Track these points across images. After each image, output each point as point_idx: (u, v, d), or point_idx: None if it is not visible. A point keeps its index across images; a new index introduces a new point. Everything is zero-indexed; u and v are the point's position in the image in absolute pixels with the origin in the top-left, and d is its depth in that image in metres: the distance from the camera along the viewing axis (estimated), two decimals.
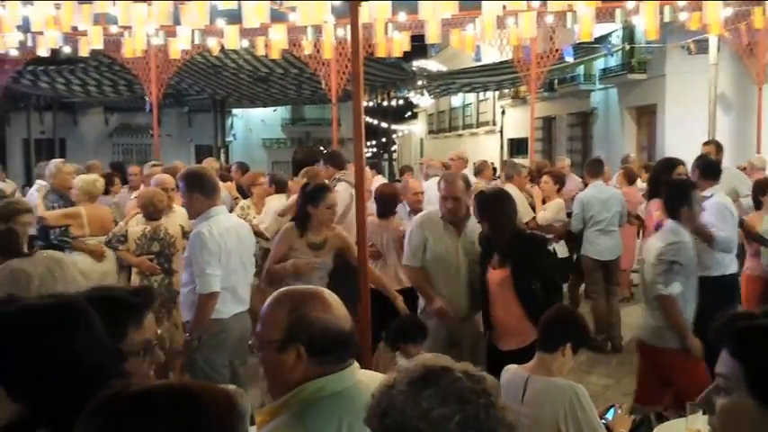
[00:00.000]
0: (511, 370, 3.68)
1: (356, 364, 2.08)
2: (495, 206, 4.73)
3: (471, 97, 30.51)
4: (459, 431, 1.44)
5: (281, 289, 2.16)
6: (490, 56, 15.75)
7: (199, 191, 4.59)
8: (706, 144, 7.68)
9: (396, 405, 1.45)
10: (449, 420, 1.43)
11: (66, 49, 12.12)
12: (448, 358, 1.56)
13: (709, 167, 5.68)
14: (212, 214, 4.58)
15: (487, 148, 28.08)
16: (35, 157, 21.22)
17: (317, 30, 10.98)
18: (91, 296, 2.09)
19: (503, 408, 1.47)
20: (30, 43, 11.59)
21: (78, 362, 1.61)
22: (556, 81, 21.98)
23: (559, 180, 8.24)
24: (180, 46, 11.35)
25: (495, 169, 11.88)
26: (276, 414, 2.00)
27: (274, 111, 31.08)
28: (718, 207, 5.44)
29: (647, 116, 19.17)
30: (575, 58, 15.27)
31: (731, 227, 5.50)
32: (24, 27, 10.32)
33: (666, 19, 9.76)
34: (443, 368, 1.51)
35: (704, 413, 3.02)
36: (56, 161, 7.39)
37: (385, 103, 26.39)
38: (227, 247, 4.55)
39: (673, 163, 6.20)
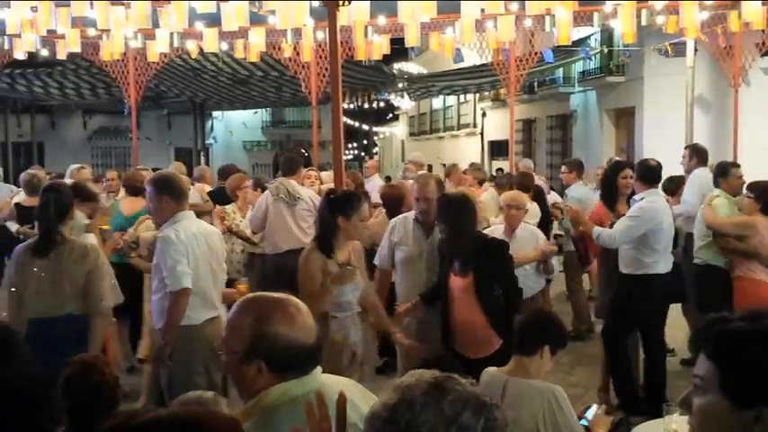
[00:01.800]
0: (490, 372, 3.70)
1: (318, 368, 2.07)
2: (456, 211, 4.69)
3: (452, 100, 30.61)
4: None
5: (249, 295, 2.15)
6: (471, 58, 15.79)
7: (168, 194, 4.54)
8: (685, 148, 7.81)
9: (418, 417, 1.44)
10: (476, 423, 1.44)
11: (44, 52, 12.03)
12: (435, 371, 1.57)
13: (646, 171, 5.84)
14: (179, 219, 4.53)
15: (468, 151, 28.16)
16: (13, 161, 21.04)
17: (297, 33, 10.97)
18: None
19: (503, 410, 1.51)
20: (6, 46, 11.50)
21: (6, 388, 1.54)
22: (536, 83, 22.08)
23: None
24: (158, 49, 11.30)
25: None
26: (243, 421, 2.00)
27: (255, 113, 30.99)
28: (637, 207, 5.71)
29: (625, 118, 19.31)
30: (554, 61, 15.36)
31: (649, 226, 5.64)
32: (1, 30, 10.24)
33: (644, 23, 9.86)
34: (449, 377, 1.52)
35: (681, 414, 3.05)
36: (74, 166, 7.15)
37: (366, 106, 26.42)
38: (195, 252, 4.49)
39: (620, 166, 6.49)
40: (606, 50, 18.32)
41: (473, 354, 4.56)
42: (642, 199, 5.75)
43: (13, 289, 4.50)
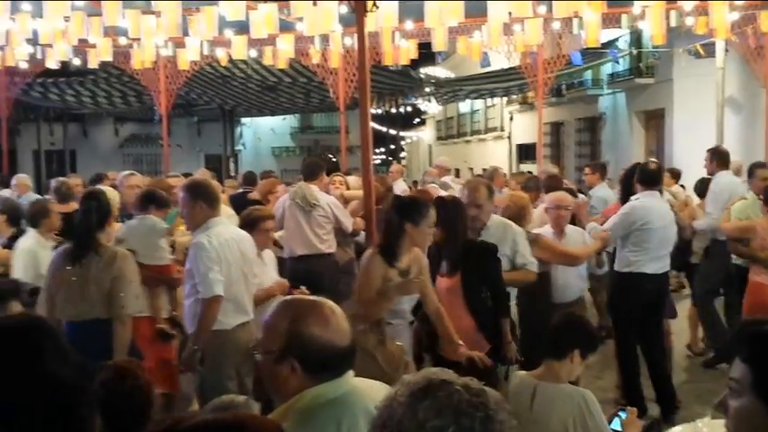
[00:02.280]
0: (519, 377, 3.69)
1: (351, 372, 2.10)
2: (452, 213, 4.66)
3: (479, 103, 30.53)
4: None
5: (286, 297, 2.19)
6: (498, 62, 15.77)
7: (203, 200, 4.61)
8: (707, 151, 7.75)
9: (394, 416, 1.47)
10: (443, 431, 1.44)
11: (76, 61, 12.25)
12: (451, 372, 1.58)
13: (644, 174, 6.00)
14: (211, 225, 4.58)
15: (496, 154, 28.07)
16: (46, 169, 21.38)
17: (325, 39, 11.04)
18: None
19: (501, 421, 1.48)
20: (39, 56, 11.73)
21: (48, 379, 1.58)
22: (564, 86, 21.96)
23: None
24: (189, 57, 11.45)
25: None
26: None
27: (283, 119, 31.17)
28: (628, 205, 5.94)
29: (655, 120, 19.13)
30: (582, 64, 15.28)
31: (636, 224, 5.80)
32: (34, 40, 10.44)
33: (673, 24, 9.77)
34: (443, 381, 1.52)
35: (713, 417, 3.02)
36: (123, 174, 7.15)
37: (393, 111, 26.45)
38: (227, 258, 4.53)
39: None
40: (635, 52, 18.19)
41: (455, 356, 4.33)
42: (637, 199, 5.89)
43: (46, 291, 4.61)
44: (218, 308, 4.47)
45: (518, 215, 5.54)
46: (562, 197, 6.00)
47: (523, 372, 3.71)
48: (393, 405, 1.50)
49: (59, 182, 7.79)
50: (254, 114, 25.85)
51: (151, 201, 5.55)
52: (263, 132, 31.93)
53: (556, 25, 10.72)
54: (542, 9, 9.82)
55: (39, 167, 21.73)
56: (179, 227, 6.13)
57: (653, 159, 10.64)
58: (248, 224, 5.21)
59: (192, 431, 1.40)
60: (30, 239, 5.49)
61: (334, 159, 25.74)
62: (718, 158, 7.39)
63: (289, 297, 2.20)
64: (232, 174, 20.94)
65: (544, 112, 14.10)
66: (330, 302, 2.14)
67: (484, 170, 10.70)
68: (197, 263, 4.45)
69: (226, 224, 4.76)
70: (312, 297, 2.21)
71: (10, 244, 6.33)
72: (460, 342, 4.40)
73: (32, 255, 5.41)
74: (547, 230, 5.81)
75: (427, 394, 1.48)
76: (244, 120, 29.16)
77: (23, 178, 9.72)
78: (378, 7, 4.83)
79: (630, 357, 5.93)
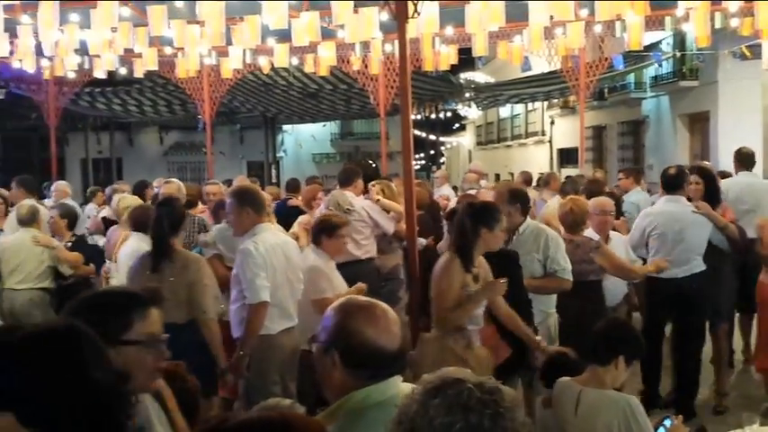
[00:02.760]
0: (563, 382, 3.68)
1: (399, 377, 2.13)
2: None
3: (520, 108, 30.36)
4: None
5: (350, 296, 2.26)
6: (539, 66, 15.69)
7: (250, 206, 4.70)
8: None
9: (409, 413, 1.52)
10: (451, 428, 1.47)
11: (122, 71, 12.51)
12: (468, 371, 1.60)
13: (664, 179, 6.14)
14: (258, 231, 4.66)
15: (537, 159, 27.89)
16: (93, 177, 21.85)
17: (365, 46, 11.11)
18: (105, 290, 2.27)
19: (513, 419, 1.50)
20: (87, 66, 12.01)
21: (89, 384, 1.59)
22: (606, 90, 21.75)
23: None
24: (232, 65, 11.62)
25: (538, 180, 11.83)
26: (324, 424, 2.07)
27: (324, 126, 31.39)
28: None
29: (699, 123, 18.83)
30: (624, 67, 15.12)
31: (645, 228, 5.98)
32: (82, 50, 10.69)
33: (717, 25, 9.62)
34: (456, 379, 1.55)
35: (762, 424, 2.98)
36: (162, 181, 7.26)
37: (433, 116, 26.45)
38: (273, 264, 4.61)
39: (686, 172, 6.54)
40: (679, 55, 17.94)
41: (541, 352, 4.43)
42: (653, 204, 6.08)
43: None
44: (264, 313, 4.54)
45: (581, 221, 5.48)
46: (605, 202, 5.96)
47: (567, 378, 3.69)
48: (409, 403, 1.54)
49: (113, 189, 8.02)
50: (296, 121, 26.08)
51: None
52: (304, 139, 32.20)
53: (598, 28, 10.62)
54: (584, 12, 9.73)
55: (86, 175, 22.25)
56: None
57: (704, 162, 10.50)
58: (326, 230, 5.30)
59: (239, 428, 1.43)
60: (137, 242, 5.58)
61: (374, 165, 25.84)
62: (739, 159, 7.36)
63: (351, 297, 2.26)
64: (274, 181, 21.18)
65: (586, 116, 13.98)
66: (386, 306, 2.19)
67: (511, 174, 10.65)
68: (244, 269, 4.53)
69: (272, 230, 4.85)
70: (369, 299, 2.26)
71: (73, 248, 6.63)
72: (538, 338, 4.48)
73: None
74: (592, 235, 5.72)
75: (439, 392, 1.53)
76: (285, 127, 29.44)
77: (63, 185, 9.95)
78: (419, 14, 4.86)
79: (651, 358, 5.78)
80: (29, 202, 7.30)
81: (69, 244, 6.73)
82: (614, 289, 5.74)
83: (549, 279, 4.97)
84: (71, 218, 7.02)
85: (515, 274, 4.63)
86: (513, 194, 5.18)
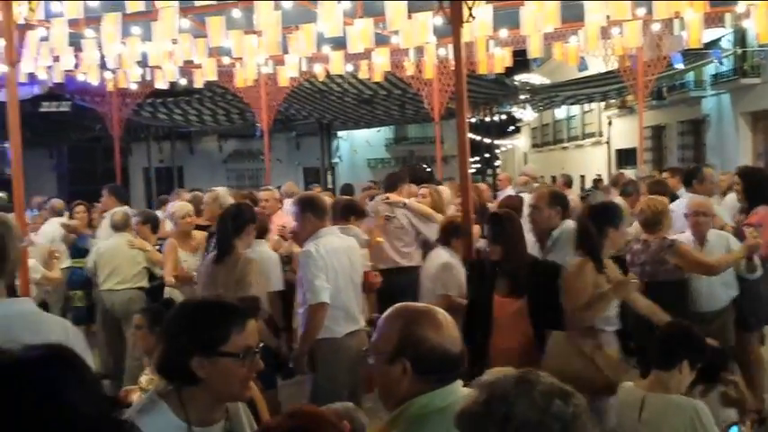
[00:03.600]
0: (626, 388, 3.63)
1: (459, 381, 2.13)
2: (510, 229, 4.57)
3: (576, 109, 29.99)
4: (574, 421, 1.52)
5: (399, 304, 2.26)
6: (595, 66, 15.48)
7: (311, 212, 4.80)
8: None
9: (512, 409, 1.52)
10: (566, 410, 1.51)
11: (183, 81, 12.81)
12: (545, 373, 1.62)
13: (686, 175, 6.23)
14: (321, 234, 4.74)
15: (594, 160, 27.49)
16: (155, 185, 22.38)
17: (419, 51, 11.13)
18: (204, 301, 2.32)
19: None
20: (148, 77, 12.33)
21: (72, 415, 1.51)
22: (665, 89, 21.32)
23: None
24: (288, 74, 11.79)
25: (599, 180, 11.68)
26: (387, 430, 2.09)
27: (378, 131, 31.54)
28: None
29: (763, 122, 18.31)
30: (684, 65, 14.80)
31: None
32: (143, 62, 10.99)
33: None
34: (530, 371, 1.59)
35: None
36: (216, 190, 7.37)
37: (487, 119, 26.32)
38: (335, 266, 4.66)
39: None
40: (739, 52, 17.48)
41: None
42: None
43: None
44: (323, 314, 4.59)
45: (653, 221, 5.27)
46: (701, 202, 5.63)
47: (631, 383, 3.64)
48: (503, 398, 1.54)
49: (193, 196, 8.30)
50: (351, 127, 26.29)
51: (351, 211, 5.89)
52: (359, 144, 32.40)
53: (655, 26, 10.43)
54: (641, 11, 9.57)
55: (149, 184, 22.80)
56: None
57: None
58: (451, 232, 5.49)
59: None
60: (260, 246, 5.76)
61: (428, 170, 25.82)
62: None
63: (400, 304, 2.26)
64: (330, 186, 21.36)
65: (645, 116, 13.73)
66: (442, 310, 2.19)
67: (553, 178, 10.55)
68: (305, 270, 4.61)
69: (336, 233, 4.91)
70: (424, 304, 2.27)
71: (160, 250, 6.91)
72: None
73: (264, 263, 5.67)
74: (687, 237, 5.48)
75: (532, 383, 1.56)
76: (340, 133, 29.68)
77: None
78: (474, 17, 4.86)
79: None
80: (121, 209, 7.63)
81: (158, 247, 7.08)
82: (711, 292, 5.40)
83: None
84: (153, 223, 7.35)
85: (561, 288, 4.47)
86: (554, 197, 5.12)
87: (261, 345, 2.24)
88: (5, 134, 13.05)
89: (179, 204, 7.01)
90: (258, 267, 4.98)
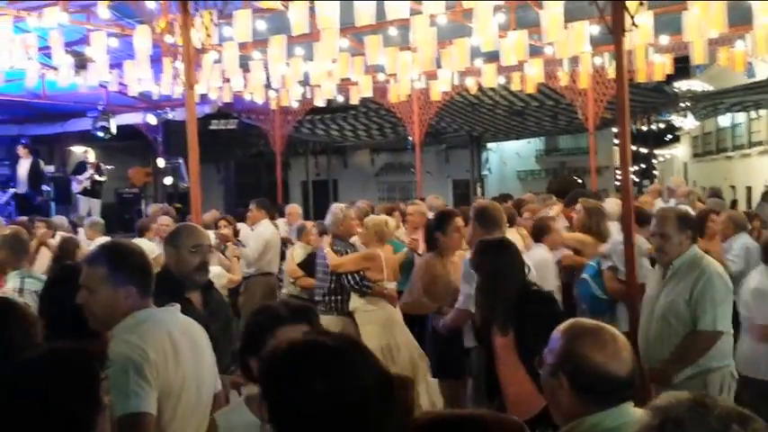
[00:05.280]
0: None
1: (629, 403, 2.11)
2: (492, 258, 4.15)
3: (741, 116, 28.24)
4: None
5: (573, 319, 2.29)
6: (764, 71, 14.59)
7: (477, 222, 5.04)
8: None
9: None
10: None
11: (340, 99, 13.33)
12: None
13: None
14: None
15: (762, 171, 25.77)
16: (313, 197, 23.31)
17: (574, 60, 10.98)
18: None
19: None
20: (308, 95, 12.94)
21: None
22: None
23: None
24: (441, 88, 12.00)
25: None
26: None
27: (528, 143, 31.16)
28: None
29: None
30: None
31: None
32: (305, 81, 11.56)
33: None
34: (704, 395, 1.55)
35: None
36: (337, 206, 7.23)
37: (644, 128, 25.39)
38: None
39: None
40: None
41: (517, 414, 3.51)
42: None
43: None
44: (462, 319, 4.94)
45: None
46: None
47: None
48: (678, 423, 1.50)
49: (338, 208, 8.71)
50: (501, 139, 26.17)
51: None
52: (509, 156, 32.13)
53: None
54: None
55: (306, 196, 23.77)
56: None
57: None
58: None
59: (431, 426, 1.52)
60: (540, 250, 6.02)
61: (580, 181, 25.24)
62: None
63: (574, 319, 2.30)
64: (479, 197, 21.33)
65: None
66: (615, 331, 2.19)
67: (732, 187, 9.88)
68: (461, 277, 4.88)
69: None
70: (595, 321, 2.28)
71: None
72: None
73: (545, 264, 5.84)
74: None
75: (707, 407, 1.52)
76: (489, 144, 29.59)
77: (295, 207, 10.77)
78: (637, 26, 4.78)
79: None
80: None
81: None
82: None
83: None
84: (321, 228, 7.74)
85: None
86: (683, 220, 4.54)
87: None
88: (179, 150, 14.21)
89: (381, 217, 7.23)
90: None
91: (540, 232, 6.26)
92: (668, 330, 4.28)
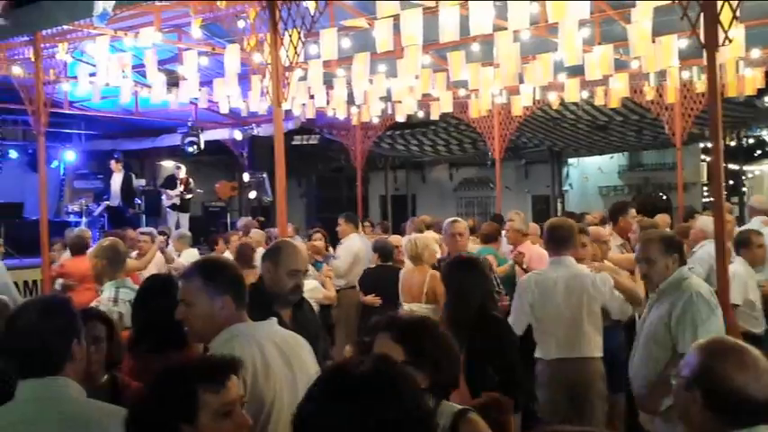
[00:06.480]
0: None
1: (764, 426, 2.03)
2: (461, 275, 4.13)
3: None
4: None
5: (717, 336, 2.25)
6: None
7: (549, 239, 5.21)
8: None
9: None
10: None
11: (420, 114, 13.41)
12: None
13: None
14: (554, 263, 5.15)
15: None
16: (391, 212, 23.47)
17: (661, 74, 10.75)
18: None
19: None
20: (389, 111, 13.07)
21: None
22: None
23: None
24: (522, 103, 11.92)
25: None
26: None
27: (611, 158, 30.50)
28: None
29: None
30: None
31: None
32: (386, 97, 11.69)
33: None
34: None
35: None
36: (448, 221, 7.13)
37: (733, 144, 24.55)
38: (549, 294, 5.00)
39: None
40: None
41: None
42: None
43: None
44: None
45: None
46: None
47: None
48: None
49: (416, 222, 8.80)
50: (583, 154, 25.73)
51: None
52: (590, 172, 31.49)
53: None
54: None
55: (385, 211, 23.94)
56: None
57: None
58: (741, 243, 5.96)
59: None
60: (738, 265, 5.94)
61: (664, 198, 24.54)
62: None
63: (720, 336, 2.25)
64: (559, 214, 21.02)
65: None
66: (757, 352, 2.12)
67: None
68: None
69: (568, 262, 5.12)
70: (740, 342, 2.21)
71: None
72: None
73: (742, 280, 5.78)
74: None
75: None
76: (570, 160, 29.14)
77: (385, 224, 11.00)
78: (731, 41, 4.67)
79: None
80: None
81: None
82: None
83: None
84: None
85: (501, 342, 4.00)
86: (667, 243, 4.37)
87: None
88: (264, 165, 14.56)
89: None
90: None
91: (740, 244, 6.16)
92: (649, 354, 4.20)
